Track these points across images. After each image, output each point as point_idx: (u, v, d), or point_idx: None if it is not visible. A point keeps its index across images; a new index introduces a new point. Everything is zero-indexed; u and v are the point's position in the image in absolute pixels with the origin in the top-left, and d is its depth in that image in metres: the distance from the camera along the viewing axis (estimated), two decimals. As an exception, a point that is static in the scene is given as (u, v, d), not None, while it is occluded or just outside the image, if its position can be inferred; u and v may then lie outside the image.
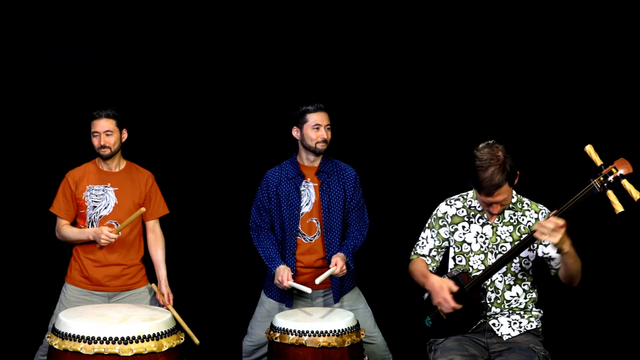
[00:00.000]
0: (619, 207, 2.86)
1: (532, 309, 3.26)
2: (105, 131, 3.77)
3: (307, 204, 3.78)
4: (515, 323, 3.22)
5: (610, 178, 2.88)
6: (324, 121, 3.75)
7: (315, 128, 3.73)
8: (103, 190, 3.81)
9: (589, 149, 2.94)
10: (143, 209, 3.68)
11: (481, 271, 3.22)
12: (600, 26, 4.54)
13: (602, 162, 2.92)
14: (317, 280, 3.55)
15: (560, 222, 2.91)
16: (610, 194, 2.88)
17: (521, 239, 3.17)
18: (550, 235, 2.91)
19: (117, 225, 3.76)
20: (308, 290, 3.55)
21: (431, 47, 4.81)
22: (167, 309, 3.66)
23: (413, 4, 4.80)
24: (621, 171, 2.88)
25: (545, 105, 4.67)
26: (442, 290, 3.16)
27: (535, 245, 3.22)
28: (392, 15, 4.84)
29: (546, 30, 4.64)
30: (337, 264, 3.61)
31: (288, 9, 4.86)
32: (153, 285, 3.88)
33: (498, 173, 3.01)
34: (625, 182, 2.87)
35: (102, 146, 3.77)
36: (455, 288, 3.18)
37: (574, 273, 3.07)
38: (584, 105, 4.59)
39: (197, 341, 3.53)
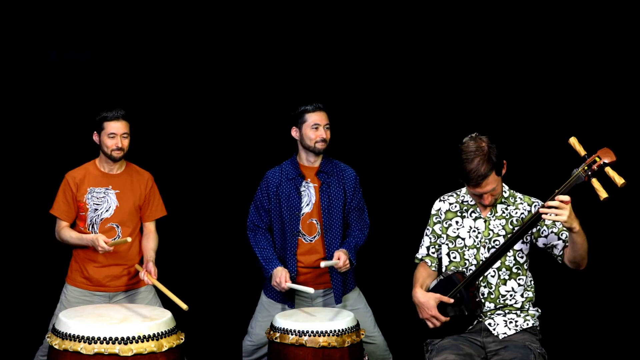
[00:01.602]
0: (603, 194, 2.86)
1: (528, 309, 3.26)
2: (122, 134, 3.72)
3: (307, 205, 3.77)
4: (511, 322, 3.22)
5: (594, 166, 2.91)
6: (322, 121, 3.74)
7: (314, 128, 3.73)
8: (104, 193, 3.79)
9: (573, 140, 2.98)
10: (129, 239, 3.61)
11: (474, 266, 3.23)
12: (584, 21, 4.56)
13: (585, 152, 2.95)
14: (322, 264, 3.56)
15: (565, 198, 2.90)
16: (595, 181, 2.90)
17: (523, 222, 3.13)
18: (557, 213, 2.89)
19: (118, 227, 3.77)
20: (310, 290, 3.54)
21: (431, 45, 4.82)
22: (153, 284, 3.62)
23: (411, 6, 4.80)
24: (605, 160, 2.91)
25: (536, 102, 4.70)
26: (429, 307, 3.21)
27: (532, 238, 3.22)
28: (390, 16, 4.84)
29: (532, 27, 4.65)
30: (340, 258, 3.60)
31: (288, 9, 4.86)
32: (137, 265, 3.80)
33: (483, 163, 3.04)
34: (608, 169, 2.90)
35: (118, 148, 3.72)
36: (447, 299, 3.19)
37: (583, 254, 3.05)
38: (568, 98, 4.61)
39: (185, 307, 3.28)
